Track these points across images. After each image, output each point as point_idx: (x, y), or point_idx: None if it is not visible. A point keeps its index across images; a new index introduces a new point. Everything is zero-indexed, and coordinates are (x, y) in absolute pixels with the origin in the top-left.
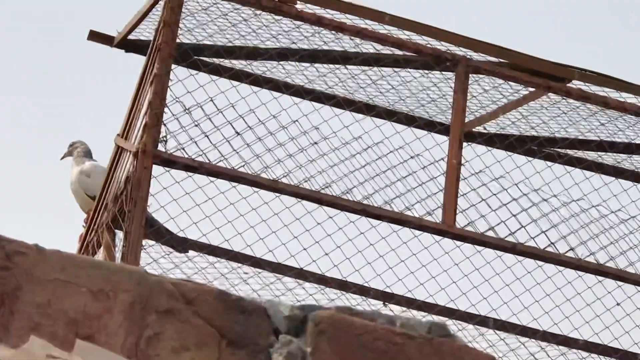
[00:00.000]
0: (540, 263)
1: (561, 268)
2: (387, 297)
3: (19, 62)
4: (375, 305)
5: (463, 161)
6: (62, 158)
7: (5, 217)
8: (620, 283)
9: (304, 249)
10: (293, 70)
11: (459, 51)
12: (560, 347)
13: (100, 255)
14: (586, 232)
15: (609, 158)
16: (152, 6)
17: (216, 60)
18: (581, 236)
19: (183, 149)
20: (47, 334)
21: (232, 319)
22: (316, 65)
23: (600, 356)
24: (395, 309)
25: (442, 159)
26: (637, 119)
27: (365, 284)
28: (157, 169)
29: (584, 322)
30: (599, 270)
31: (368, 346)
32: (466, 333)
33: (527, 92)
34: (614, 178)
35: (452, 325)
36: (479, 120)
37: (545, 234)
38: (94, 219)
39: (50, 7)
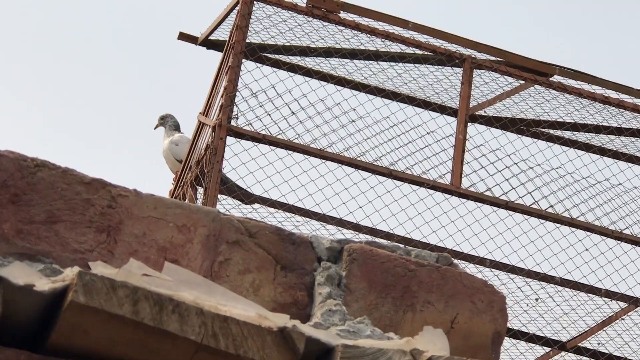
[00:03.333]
0: (527, 217)
1: (542, 221)
2: (407, 242)
3: (126, 58)
4: None
5: (467, 137)
6: (155, 128)
7: (112, 171)
8: (589, 233)
9: (343, 202)
10: (336, 65)
11: (466, 51)
12: (541, 282)
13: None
14: (563, 193)
15: (581, 136)
16: (228, 14)
17: (277, 56)
18: (559, 196)
19: (250, 124)
20: (142, 258)
21: (285, 249)
22: (354, 61)
23: (571, 289)
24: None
25: (451, 134)
26: (603, 106)
27: (390, 231)
28: (230, 140)
29: (559, 263)
30: (572, 223)
31: (389, 271)
32: (467, 271)
33: (518, 84)
34: (585, 152)
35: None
36: (480, 106)
37: (531, 195)
38: (181, 178)
39: (146, 14)
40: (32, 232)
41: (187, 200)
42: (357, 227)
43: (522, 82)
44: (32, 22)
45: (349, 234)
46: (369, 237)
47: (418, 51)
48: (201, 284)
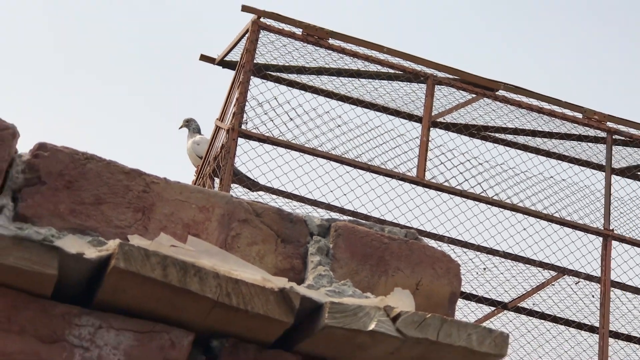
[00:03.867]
0: (477, 203)
1: (489, 206)
2: (381, 222)
3: (158, 74)
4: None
5: (430, 139)
6: (180, 128)
7: (148, 164)
8: (526, 216)
9: (331, 191)
10: (326, 81)
11: (429, 71)
12: (488, 254)
13: None
14: (506, 184)
15: (520, 138)
16: (239, 40)
17: (278, 74)
18: (502, 186)
19: (257, 128)
20: (171, 232)
21: (284, 226)
22: (340, 78)
23: (512, 260)
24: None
25: (417, 137)
26: (538, 115)
27: (368, 214)
28: (240, 140)
29: (503, 240)
30: (513, 208)
31: (367, 244)
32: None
33: (470, 97)
34: (523, 151)
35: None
36: (440, 114)
37: (480, 185)
38: (201, 171)
39: (173, 38)
40: (83, 212)
41: (205, 186)
42: (341, 210)
43: (474, 95)
44: (76, 42)
45: (335, 215)
46: (351, 218)
47: (391, 70)
48: (217, 253)
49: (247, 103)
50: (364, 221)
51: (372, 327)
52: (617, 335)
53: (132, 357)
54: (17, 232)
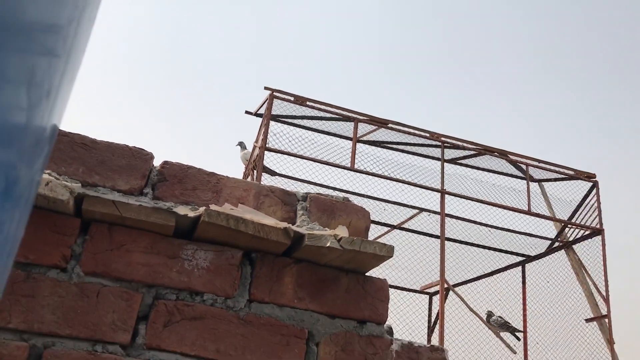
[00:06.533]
0: (379, 178)
1: (386, 180)
2: (335, 189)
3: (225, 119)
4: (339, 193)
5: (356, 149)
6: (236, 146)
7: (220, 164)
8: (404, 184)
9: (310, 175)
10: (306, 122)
11: (355, 115)
12: (386, 203)
13: (249, 178)
14: (393, 169)
15: (404, 148)
16: (263, 103)
17: (283, 119)
18: (392, 169)
19: (273, 146)
20: (230, 202)
21: (286, 197)
22: (313, 120)
23: (398, 205)
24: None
25: (350, 148)
26: (408, 135)
27: (329, 185)
28: (266, 153)
29: (393, 195)
30: (398, 180)
31: (325, 203)
32: (355, 202)
33: (375, 128)
34: (402, 152)
35: (351, 198)
36: (361, 136)
37: (381, 169)
38: (247, 166)
39: (233, 100)
40: (186, 194)
41: (249, 176)
42: (318, 184)
43: (376, 127)
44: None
45: (313, 185)
46: (322, 188)
47: (335, 116)
48: (253, 212)
49: (268, 134)
50: (324, 193)
51: (328, 244)
52: (449, 240)
53: (212, 263)
54: (154, 205)
